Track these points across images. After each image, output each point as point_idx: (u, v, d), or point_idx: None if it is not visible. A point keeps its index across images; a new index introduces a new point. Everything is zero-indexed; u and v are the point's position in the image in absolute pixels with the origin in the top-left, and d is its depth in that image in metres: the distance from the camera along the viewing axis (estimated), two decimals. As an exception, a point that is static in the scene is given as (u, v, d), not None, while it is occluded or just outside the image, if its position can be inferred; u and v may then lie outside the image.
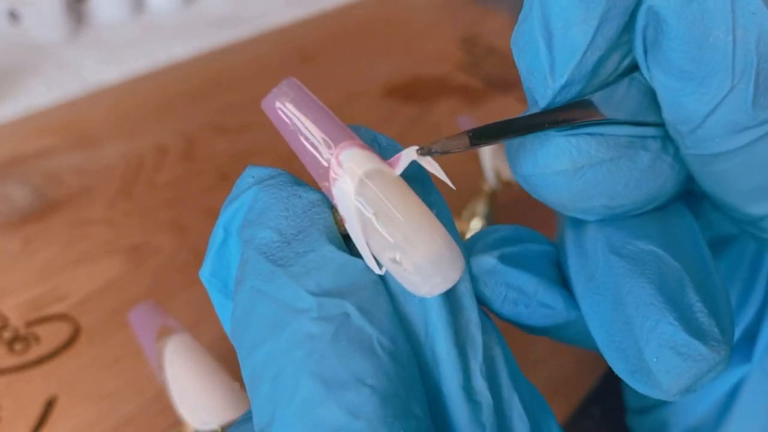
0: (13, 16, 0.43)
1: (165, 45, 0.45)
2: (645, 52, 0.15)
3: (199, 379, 0.23)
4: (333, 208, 0.14)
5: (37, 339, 0.27)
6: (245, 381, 0.13)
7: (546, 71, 0.15)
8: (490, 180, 0.32)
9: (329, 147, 0.14)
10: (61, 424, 0.24)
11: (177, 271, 0.30)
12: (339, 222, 0.14)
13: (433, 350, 0.14)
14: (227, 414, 0.22)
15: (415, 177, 0.15)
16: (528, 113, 0.15)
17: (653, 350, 0.14)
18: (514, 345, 0.30)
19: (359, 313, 0.13)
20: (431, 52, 0.48)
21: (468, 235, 0.31)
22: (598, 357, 0.31)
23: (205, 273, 0.15)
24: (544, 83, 0.15)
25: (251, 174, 0.15)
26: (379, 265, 0.14)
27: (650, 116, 0.16)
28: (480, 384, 0.14)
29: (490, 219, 0.33)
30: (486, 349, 0.14)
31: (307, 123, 0.14)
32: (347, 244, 0.14)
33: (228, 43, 0.46)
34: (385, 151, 0.15)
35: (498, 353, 0.15)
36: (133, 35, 0.46)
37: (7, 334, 0.27)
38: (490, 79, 0.45)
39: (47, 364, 0.26)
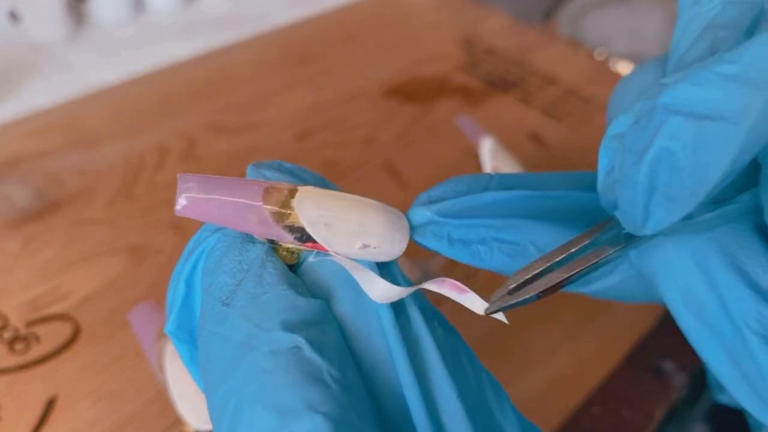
0: (13, 16, 0.43)
1: (165, 45, 0.45)
2: None
3: (199, 379, 0.23)
4: (274, 247, 0.15)
5: (37, 339, 0.27)
6: (211, 422, 0.14)
7: (638, 221, 0.14)
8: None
9: (254, 204, 0.15)
10: (61, 424, 0.24)
11: (177, 271, 0.30)
12: (284, 256, 0.15)
13: (393, 360, 0.14)
14: (227, 414, 0.22)
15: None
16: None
17: None
18: (513, 345, 0.29)
19: (310, 346, 0.13)
20: (431, 52, 0.48)
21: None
22: (598, 357, 0.31)
23: (171, 327, 0.16)
24: (633, 225, 0.14)
25: (208, 228, 0.16)
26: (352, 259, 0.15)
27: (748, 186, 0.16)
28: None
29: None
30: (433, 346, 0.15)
31: (224, 197, 0.15)
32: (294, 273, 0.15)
33: (228, 43, 0.46)
34: (290, 172, 0.16)
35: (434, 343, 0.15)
36: (133, 35, 0.46)
37: (7, 334, 0.27)
38: (490, 79, 0.45)
39: (47, 364, 0.26)
